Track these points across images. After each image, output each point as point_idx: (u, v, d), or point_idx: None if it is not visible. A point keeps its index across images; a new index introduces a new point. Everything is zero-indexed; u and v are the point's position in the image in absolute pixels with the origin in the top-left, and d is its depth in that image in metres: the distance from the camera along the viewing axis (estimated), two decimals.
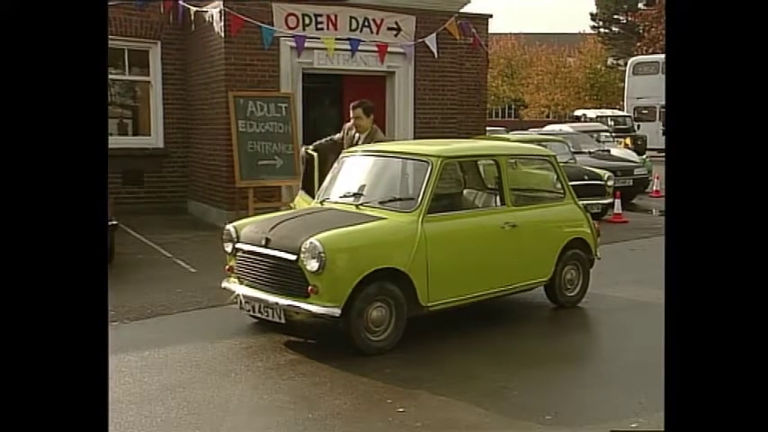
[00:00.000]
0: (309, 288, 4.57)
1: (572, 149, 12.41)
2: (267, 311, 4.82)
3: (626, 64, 31.33)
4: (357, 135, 6.84)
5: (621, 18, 44.09)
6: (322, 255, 4.51)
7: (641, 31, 37.16)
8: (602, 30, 44.68)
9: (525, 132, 14.96)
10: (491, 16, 12.52)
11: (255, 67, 10.09)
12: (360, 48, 10.63)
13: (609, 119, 22.19)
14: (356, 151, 5.90)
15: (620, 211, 11.10)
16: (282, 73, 10.26)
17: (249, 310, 5.00)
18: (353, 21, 10.59)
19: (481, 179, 6.18)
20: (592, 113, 23.74)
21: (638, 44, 36.24)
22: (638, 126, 23.96)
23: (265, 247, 4.84)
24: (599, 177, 11.21)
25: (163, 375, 4.43)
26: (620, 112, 25.52)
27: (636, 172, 13.51)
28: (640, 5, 41.23)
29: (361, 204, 5.23)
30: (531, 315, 5.93)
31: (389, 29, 10.89)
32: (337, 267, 4.56)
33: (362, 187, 5.47)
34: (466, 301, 5.25)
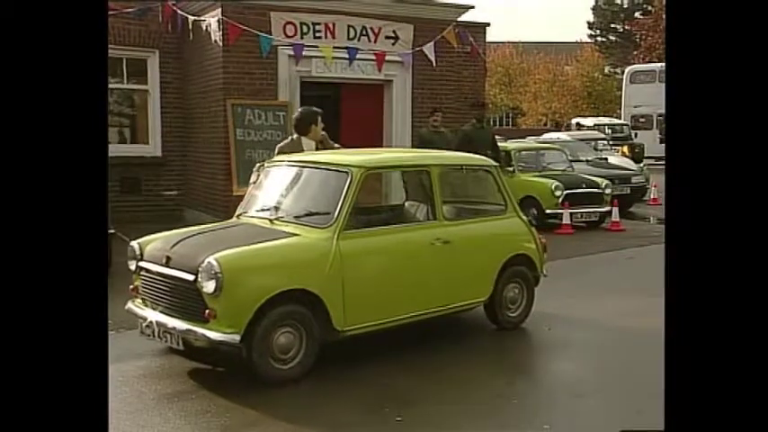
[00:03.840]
0: (207, 312, 4.17)
1: (569, 157, 12.44)
2: (166, 336, 4.43)
3: (623, 72, 31.44)
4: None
5: (618, 27, 44.30)
6: (219, 275, 4.12)
7: (638, 39, 37.34)
8: (599, 38, 44.90)
9: (523, 140, 14.98)
10: (489, 25, 12.58)
11: (253, 75, 10.11)
12: (358, 56, 10.66)
13: (606, 127, 22.23)
14: (282, 162, 5.41)
15: (618, 220, 11.11)
16: (280, 81, 10.27)
17: (149, 335, 4.58)
18: (351, 29, 10.62)
19: (425, 191, 5.49)
20: (589, 121, 23.80)
21: (635, 53, 36.42)
22: (636, 134, 24.00)
23: (165, 265, 4.47)
24: (596, 185, 11.23)
25: (160, 385, 4.41)
26: (618, 121, 25.59)
27: (633, 180, 13.53)
28: (637, 14, 41.46)
29: (276, 219, 4.83)
30: (529, 323, 5.92)
31: (387, 37, 10.91)
32: (236, 289, 4.16)
33: (281, 200, 5.08)
34: (390, 324, 4.83)
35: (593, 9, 44.95)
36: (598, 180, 11.41)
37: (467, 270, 5.21)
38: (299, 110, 6.59)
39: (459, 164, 5.87)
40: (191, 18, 10.58)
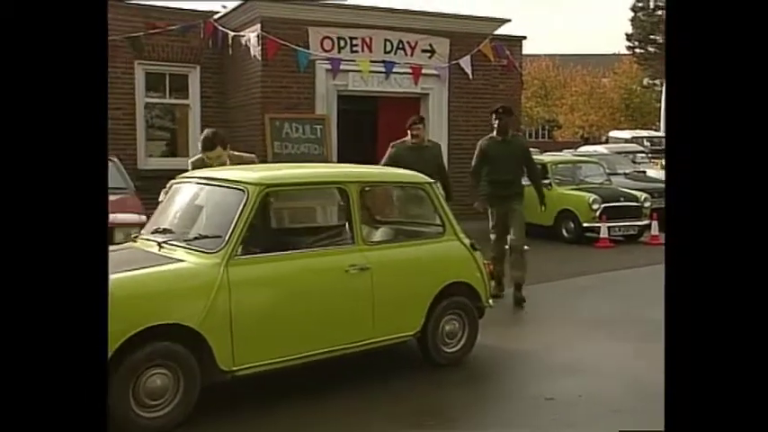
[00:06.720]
0: None
1: (607, 171, 12.33)
2: None
3: (662, 84, 31.04)
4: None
5: (658, 38, 43.74)
6: None
7: None
8: (637, 50, 44.39)
9: (559, 153, 14.89)
10: (525, 38, 12.57)
11: (291, 89, 10.27)
12: (394, 70, 10.76)
13: (645, 139, 21.95)
14: (190, 179, 4.84)
15: (657, 233, 10.95)
16: (318, 95, 10.42)
17: None
18: (388, 43, 10.73)
19: (343, 211, 4.79)
20: (627, 134, 23.50)
21: None
22: None
23: None
24: (635, 199, 11.11)
25: None
26: (657, 133, 25.23)
27: None
28: None
29: (166, 243, 4.24)
30: (570, 334, 5.88)
31: (423, 51, 11.00)
32: None
33: (175, 222, 4.55)
34: (291, 362, 4.17)
35: (632, 20, 44.46)
36: (636, 193, 11.29)
37: (390, 300, 4.54)
38: (206, 131, 5.68)
39: (383, 181, 5.26)
40: (231, 34, 10.80)
